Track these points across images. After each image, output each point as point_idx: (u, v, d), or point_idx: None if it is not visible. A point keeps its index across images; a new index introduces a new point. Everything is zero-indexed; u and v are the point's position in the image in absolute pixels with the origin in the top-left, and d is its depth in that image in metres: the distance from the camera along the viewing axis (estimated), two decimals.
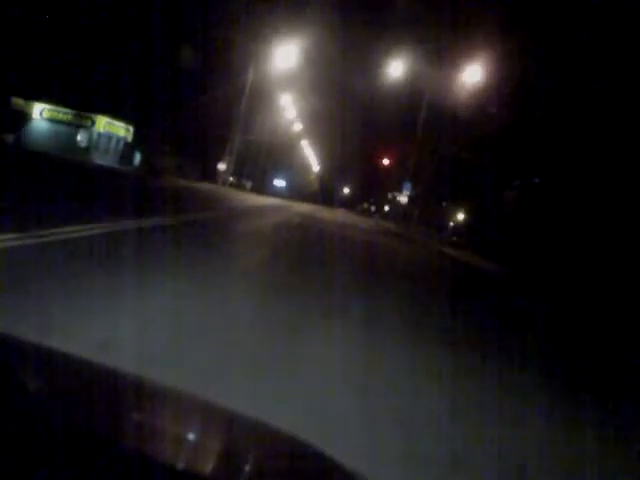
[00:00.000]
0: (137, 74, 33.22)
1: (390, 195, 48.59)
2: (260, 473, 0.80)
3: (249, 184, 56.54)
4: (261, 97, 42.66)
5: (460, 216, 36.45)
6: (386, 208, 72.03)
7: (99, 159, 32.20)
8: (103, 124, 33.11)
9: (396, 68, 31.63)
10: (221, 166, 36.33)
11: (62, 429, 0.70)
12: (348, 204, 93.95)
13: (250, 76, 35.50)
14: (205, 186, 32.03)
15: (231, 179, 50.61)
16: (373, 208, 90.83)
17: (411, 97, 34.06)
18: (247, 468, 0.82)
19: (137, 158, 38.36)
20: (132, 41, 33.52)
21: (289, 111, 52.11)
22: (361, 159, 76.21)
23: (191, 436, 0.90)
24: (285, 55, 37.46)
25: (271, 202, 32.57)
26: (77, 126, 32.91)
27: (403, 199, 33.54)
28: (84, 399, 0.86)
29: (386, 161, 45.05)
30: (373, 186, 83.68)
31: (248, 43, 35.57)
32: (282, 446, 0.91)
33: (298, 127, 60.19)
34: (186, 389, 0.99)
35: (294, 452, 0.89)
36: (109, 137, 34.31)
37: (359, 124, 69.72)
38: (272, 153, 54.07)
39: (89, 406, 0.83)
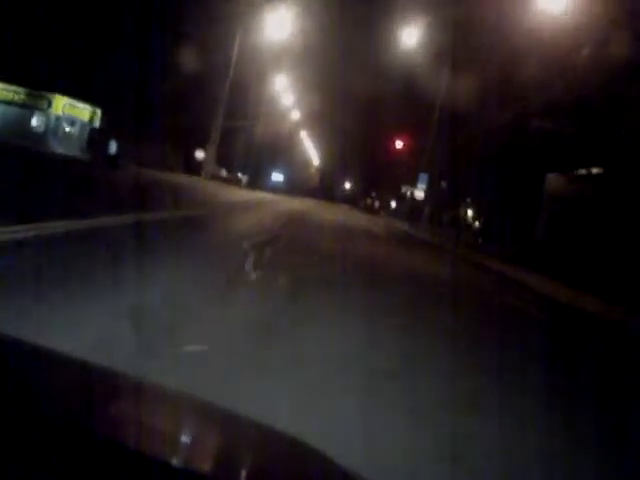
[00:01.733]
0: (106, 46, 28.10)
1: (403, 189, 42.96)
2: (260, 473, 0.80)
3: (244, 178, 51.30)
4: (253, 78, 37.47)
5: (481, 214, 31.21)
6: (393, 204, 66.60)
7: (59, 147, 27.07)
8: (62, 106, 27.91)
9: (410, 35, 26.24)
10: (199, 154, 30.97)
11: (61, 430, 0.70)
12: (350, 200, 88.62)
13: (236, 49, 30.09)
14: (181, 179, 26.90)
15: (224, 173, 45.30)
16: (377, 204, 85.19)
17: (428, 67, 28.55)
18: (247, 468, 0.81)
19: (113, 147, 33.16)
20: (99, 9, 28.37)
21: (286, 97, 46.91)
22: (366, 150, 70.80)
23: (191, 437, 0.89)
24: (279, 28, 32.19)
25: (262, 199, 27.25)
26: (31, 108, 27.73)
27: (419, 194, 28.31)
28: (83, 399, 0.85)
29: (399, 144, 38.91)
30: (378, 180, 77.94)
31: (236, 10, 30.24)
32: (282, 446, 0.90)
33: (296, 115, 55.06)
34: (185, 390, 0.97)
35: (294, 452, 0.88)
36: (71, 121, 29.11)
37: (364, 112, 64.15)
38: (268, 143, 48.82)
39: (88, 407, 0.82)
